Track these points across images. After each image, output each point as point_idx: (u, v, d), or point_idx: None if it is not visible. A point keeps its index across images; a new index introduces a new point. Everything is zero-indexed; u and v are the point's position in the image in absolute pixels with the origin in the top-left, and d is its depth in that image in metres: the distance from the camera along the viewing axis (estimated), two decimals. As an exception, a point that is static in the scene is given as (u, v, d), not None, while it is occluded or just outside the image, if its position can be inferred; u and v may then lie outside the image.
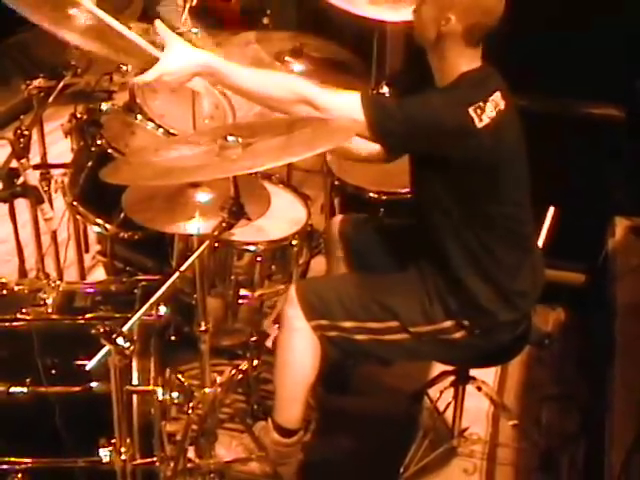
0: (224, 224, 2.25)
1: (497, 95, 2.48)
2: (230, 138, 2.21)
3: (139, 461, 2.27)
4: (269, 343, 3.14)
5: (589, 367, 3.35)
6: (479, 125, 2.41)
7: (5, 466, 2.38)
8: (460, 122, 2.41)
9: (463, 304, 2.58)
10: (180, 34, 3.37)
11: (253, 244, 2.84)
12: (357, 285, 2.70)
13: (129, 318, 2.08)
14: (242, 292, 2.88)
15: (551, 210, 2.74)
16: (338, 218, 3.05)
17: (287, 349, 2.70)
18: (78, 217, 3.19)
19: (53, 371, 2.36)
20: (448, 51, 2.47)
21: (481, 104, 2.43)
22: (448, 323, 2.59)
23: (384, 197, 3.13)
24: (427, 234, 2.64)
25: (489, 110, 2.44)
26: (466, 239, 2.54)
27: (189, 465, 2.58)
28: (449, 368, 2.99)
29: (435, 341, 2.63)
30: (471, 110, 2.41)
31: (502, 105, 2.48)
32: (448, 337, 2.61)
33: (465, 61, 2.48)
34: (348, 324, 2.63)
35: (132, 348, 2.03)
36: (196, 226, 2.42)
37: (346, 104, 2.40)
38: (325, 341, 2.66)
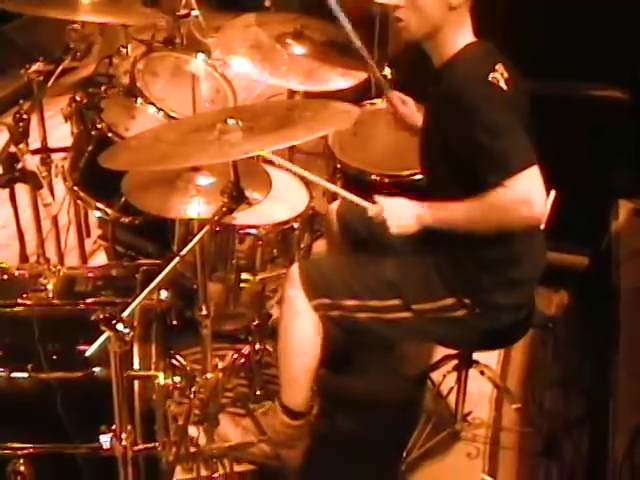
0: (225, 208, 2.23)
1: (500, 67, 2.48)
2: (230, 121, 2.19)
3: (140, 447, 2.26)
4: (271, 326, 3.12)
5: (593, 351, 3.34)
6: (505, 88, 2.43)
7: (7, 451, 2.37)
8: (491, 95, 2.41)
9: (464, 282, 2.58)
10: (181, 17, 3.38)
11: (254, 228, 2.82)
12: (359, 264, 2.71)
13: (129, 303, 2.07)
14: (244, 276, 2.87)
15: (552, 194, 2.73)
16: (337, 203, 3.04)
17: (290, 330, 2.70)
18: (79, 202, 3.18)
19: (54, 357, 2.36)
20: (436, 25, 2.49)
21: (492, 74, 2.44)
22: (449, 300, 2.60)
23: (386, 180, 3.11)
24: None
25: (500, 78, 2.45)
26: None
27: (191, 450, 2.57)
28: (452, 352, 2.98)
29: (437, 320, 2.64)
30: (491, 78, 2.42)
31: (507, 74, 2.48)
32: (450, 315, 2.61)
33: (459, 35, 2.50)
34: (350, 302, 2.64)
35: (132, 334, 2.02)
36: (196, 210, 2.41)
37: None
38: (327, 321, 2.66)
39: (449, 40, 2.50)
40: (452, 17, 2.48)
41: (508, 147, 2.34)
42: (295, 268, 2.70)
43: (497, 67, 2.47)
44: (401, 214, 2.55)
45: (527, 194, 2.32)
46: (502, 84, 2.45)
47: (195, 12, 3.56)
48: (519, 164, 2.31)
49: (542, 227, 2.73)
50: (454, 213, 2.45)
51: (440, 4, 2.47)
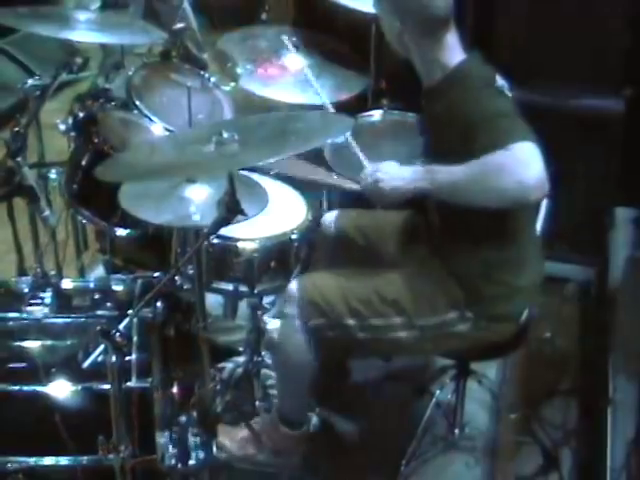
0: (221, 220, 2.24)
1: (499, 78, 2.51)
2: (225, 134, 2.20)
3: (139, 459, 2.27)
4: (269, 338, 3.13)
5: (591, 360, 3.34)
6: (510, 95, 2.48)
7: (8, 465, 2.38)
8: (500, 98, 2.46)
9: (467, 295, 2.58)
10: (178, 30, 3.39)
11: (252, 240, 2.83)
12: (359, 280, 2.69)
13: (127, 315, 2.08)
14: (241, 288, 2.87)
15: (544, 204, 2.75)
16: (332, 214, 3.04)
17: (287, 344, 2.70)
18: (76, 215, 3.19)
19: (53, 369, 2.36)
20: (419, 51, 2.51)
21: (496, 83, 2.48)
22: (452, 315, 2.59)
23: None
24: (431, 227, 2.64)
25: (504, 87, 2.48)
26: (473, 234, 2.54)
27: (190, 461, 2.58)
28: (451, 362, 2.98)
29: (438, 335, 2.63)
30: (497, 86, 2.46)
31: (506, 84, 2.51)
32: (452, 330, 2.61)
33: (447, 54, 2.49)
34: (351, 322, 2.63)
35: (130, 345, 2.03)
36: (194, 222, 2.41)
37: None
38: (325, 341, 2.66)
39: (435, 61, 2.50)
40: (424, 40, 2.49)
41: (514, 124, 2.35)
42: (293, 285, 2.70)
43: (497, 78, 2.50)
44: (396, 170, 2.53)
45: (527, 160, 2.28)
46: (507, 92, 2.48)
47: (192, 25, 3.57)
48: (523, 136, 2.31)
49: (539, 233, 2.75)
50: (453, 172, 2.37)
51: (395, 37, 2.54)
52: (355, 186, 2.68)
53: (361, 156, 2.75)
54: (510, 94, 2.49)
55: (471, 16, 3.61)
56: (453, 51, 2.50)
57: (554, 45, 3.45)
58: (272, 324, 3.08)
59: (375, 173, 2.56)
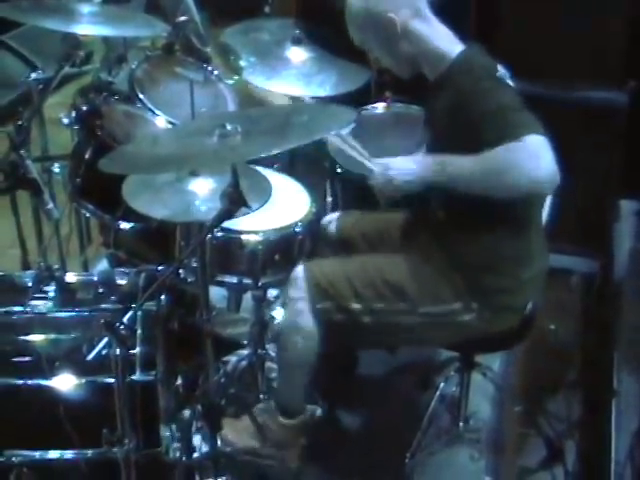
0: (225, 212, 2.23)
1: (500, 66, 2.51)
2: (228, 126, 2.20)
3: (143, 452, 2.27)
4: (273, 330, 3.13)
5: (595, 352, 3.34)
6: (512, 85, 2.48)
7: (12, 459, 2.38)
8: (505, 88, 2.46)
9: (471, 287, 2.58)
10: (181, 23, 3.39)
11: (256, 232, 2.82)
12: (366, 266, 2.68)
13: (131, 308, 2.08)
14: (245, 281, 2.86)
15: (548, 198, 2.76)
16: (333, 216, 3.03)
17: (290, 330, 2.69)
18: (80, 208, 3.19)
19: (57, 363, 2.36)
20: (418, 43, 2.52)
21: (498, 72, 2.48)
22: (457, 305, 2.59)
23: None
24: (435, 222, 2.63)
25: (505, 76, 2.49)
26: (478, 228, 2.54)
27: (195, 454, 2.58)
28: (455, 354, 2.98)
29: (443, 324, 2.63)
30: (498, 75, 2.46)
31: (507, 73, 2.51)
32: (457, 320, 2.61)
33: (445, 42, 2.51)
34: (356, 306, 2.62)
35: (134, 338, 2.03)
36: (197, 215, 2.41)
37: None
38: (331, 326, 2.65)
39: (436, 50, 2.51)
40: (417, 23, 2.51)
41: (524, 117, 2.35)
42: (299, 270, 2.69)
43: (498, 67, 2.50)
44: (406, 163, 2.54)
45: (539, 151, 2.29)
46: (509, 81, 2.48)
47: (195, 18, 3.57)
48: (535, 129, 2.31)
49: (543, 225, 2.75)
50: (464, 165, 2.39)
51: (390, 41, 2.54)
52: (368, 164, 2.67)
53: (360, 157, 2.73)
54: (512, 84, 2.49)
55: (472, 16, 3.62)
56: (451, 40, 2.52)
57: (555, 45, 3.45)
58: (277, 313, 3.09)
59: (385, 171, 2.56)
